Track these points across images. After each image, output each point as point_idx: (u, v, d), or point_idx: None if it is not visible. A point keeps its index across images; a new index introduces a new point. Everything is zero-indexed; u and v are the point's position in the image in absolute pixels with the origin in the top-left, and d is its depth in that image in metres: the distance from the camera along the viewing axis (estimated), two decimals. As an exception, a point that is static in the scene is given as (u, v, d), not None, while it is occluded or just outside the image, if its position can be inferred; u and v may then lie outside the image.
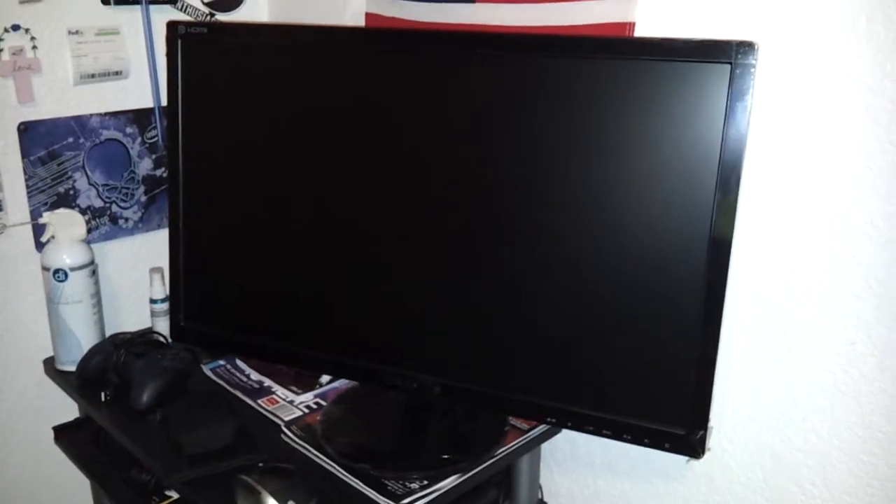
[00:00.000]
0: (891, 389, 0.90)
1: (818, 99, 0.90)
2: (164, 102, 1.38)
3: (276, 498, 0.93)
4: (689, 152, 0.87)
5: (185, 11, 1.40)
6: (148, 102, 1.38)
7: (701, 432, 0.92)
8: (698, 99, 0.86)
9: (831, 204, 0.90)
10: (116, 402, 1.18)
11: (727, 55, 0.83)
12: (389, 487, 0.99)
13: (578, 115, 0.91)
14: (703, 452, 0.93)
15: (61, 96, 1.29)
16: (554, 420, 1.02)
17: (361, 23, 1.35)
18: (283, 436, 1.10)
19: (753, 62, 0.82)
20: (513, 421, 1.12)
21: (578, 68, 0.91)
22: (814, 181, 0.91)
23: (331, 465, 1.03)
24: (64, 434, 1.32)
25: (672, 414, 0.93)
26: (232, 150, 1.13)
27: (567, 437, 1.21)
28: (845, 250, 0.90)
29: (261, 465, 1.00)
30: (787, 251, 0.95)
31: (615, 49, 0.90)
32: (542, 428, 1.12)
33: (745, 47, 0.82)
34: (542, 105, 0.93)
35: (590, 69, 0.90)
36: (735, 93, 0.84)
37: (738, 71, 0.83)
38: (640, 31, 1.01)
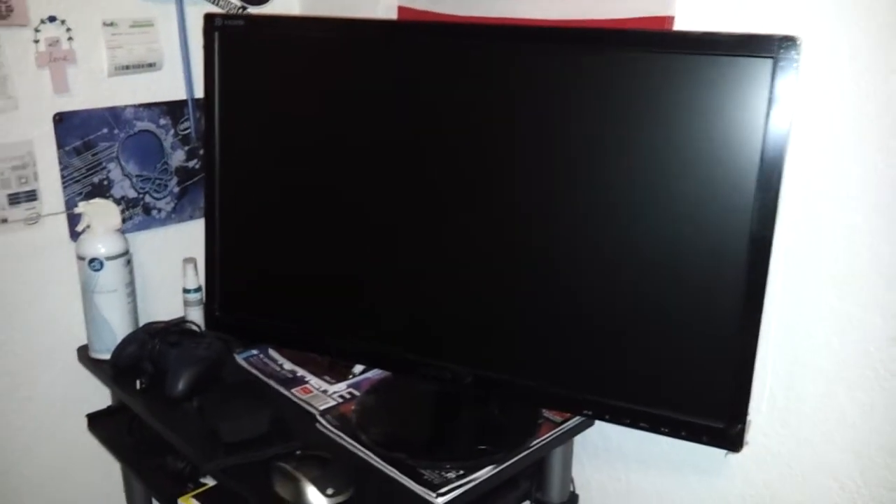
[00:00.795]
0: (931, 384, 0.90)
1: (861, 94, 0.89)
2: (197, 94, 1.39)
3: (315, 485, 0.94)
4: (730, 147, 0.87)
5: (218, 5, 1.40)
6: (181, 94, 1.39)
7: (740, 426, 0.92)
8: (740, 94, 0.85)
9: (872, 199, 0.90)
10: (151, 390, 1.19)
11: (769, 50, 0.83)
12: (426, 477, 0.99)
13: (618, 110, 0.91)
14: (741, 446, 0.93)
15: (96, 87, 1.30)
16: (590, 412, 1.02)
17: (394, 16, 1.35)
18: (317, 425, 1.11)
19: (796, 57, 0.82)
20: (546, 413, 1.13)
21: (619, 62, 0.91)
22: (854, 176, 0.91)
23: (367, 455, 1.04)
24: (97, 422, 1.33)
25: (711, 407, 0.93)
26: (267, 141, 1.14)
27: (600, 430, 1.21)
28: (885, 245, 0.90)
29: (298, 452, 1.01)
30: (827, 246, 0.95)
31: (656, 43, 0.90)
32: (575, 420, 1.12)
33: (788, 42, 0.82)
34: (582, 99, 0.93)
35: (630, 63, 0.90)
36: (777, 88, 0.83)
37: (780, 65, 0.83)
38: (678, 25, 1.01)
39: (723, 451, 1.06)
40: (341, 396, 1.17)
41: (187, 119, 1.40)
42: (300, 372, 1.24)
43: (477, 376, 1.05)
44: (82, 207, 1.25)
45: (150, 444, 1.24)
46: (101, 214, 1.25)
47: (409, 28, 1.16)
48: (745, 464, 1.08)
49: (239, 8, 1.43)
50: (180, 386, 1.15)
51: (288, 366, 1.26)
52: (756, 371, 0.95)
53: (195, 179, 1.43)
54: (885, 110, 0.88)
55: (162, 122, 1.37)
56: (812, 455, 1.01)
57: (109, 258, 1.25)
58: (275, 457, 1.00)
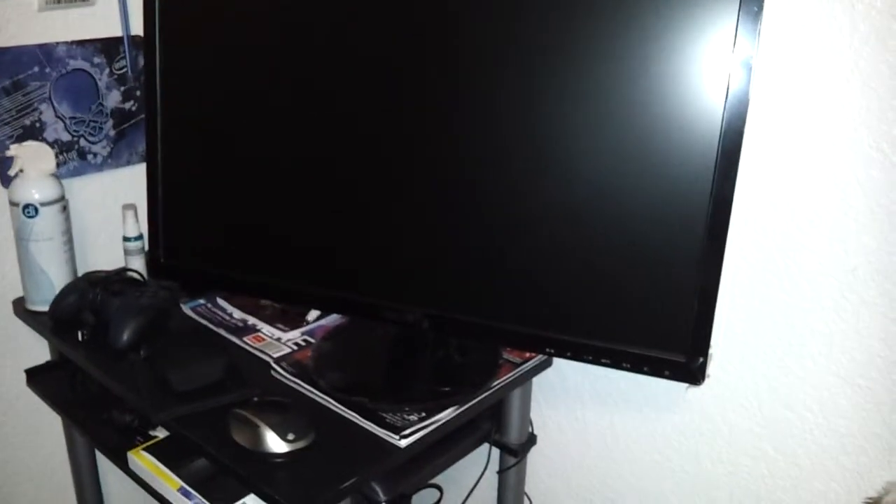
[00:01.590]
0: (891, 314, 0.91)
1: (824, 25, 0.89)
2: (133, 31, 1.32)
3: (274, 431, 0.91)
4: (696, 79, 0.85)
5: (153, -65, 1.32)
6: (117, 31, 1.31)
7: (701, 359, 0.92)
8: (705, 33, 0.84)
9: (835, 129, 0.90)
10: (94, 342, 1.14)
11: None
12: (388, 420, 0.97)
13: (582, 46, 0.89)
14: (703, 379, 0.93)
15: (26, 23, 1.21)
16: (552, 350, 1.01)
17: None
18: (272, 372, 1.08)
19: (762, -3, 0.81)
20: (505, 354, 1.12)
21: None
22: (818, 105, 0.91)
23: (326, 400, 1.01)
24: (37, 377, 1.27)
25: (672, 341, 0.93)
26: (211, 79, 1.08)
27: (557, 370, 1.21)
28: (849, 175, 0.90)
29: (255, 399, 0.97)
30: (790, 177, 0.95)
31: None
32: (534, 361, 1.11)
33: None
34: (545, 34, 0.90)
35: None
36: (744, 18, 0.82)
37: (746, 7, 0.81)
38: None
39: (683, 386, 1.07)
40: (296, 344, 1.14)
41: (123, 57, 1.33)
42: (251, 321, 1.20)
43: (436, 317, 1.03)
44: (14, 150, 1.17)
45: (94, 399, 1.18)
46: (35, 158, 1.18)
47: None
48: (702, 398, 1.09)
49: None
50: (125, 336, 1.10)
51: (238, 314, 1.22)
52: (718, 303, 0.95)
53: (132, 122, 1.36)
54: (846, 39, 0.87)
55: (96, 60, 1.30)
56: (768, 388, 1.02)
57: (45, 204, 1.18)
58: (231, 404, 0.96)
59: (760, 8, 0.80)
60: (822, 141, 0.91)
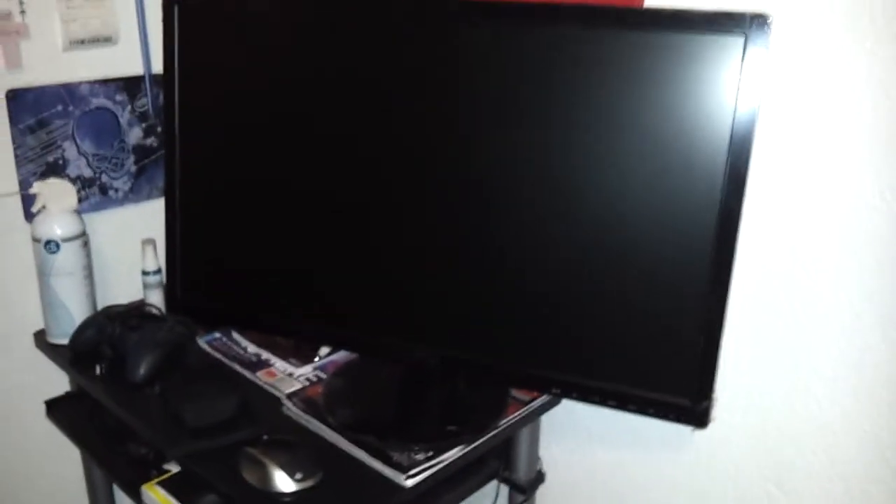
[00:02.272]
0: (894, 360, 0.91)
1: (830, 72, 0.90)
2: (154, 70, 1.35)
3: (283, 470, 0.93)
4: (701, 124, 0.86)
5: (175, -23, 1.36)
6: (138, 69, 1.35)
7: (706, 403, 0.93)
8: (711, 71, 0.85)
9: (841, 176, 0.91)
10: (111, 375, 1.16)
11: (741, 27, 0.83)
12: (395, 459, 0.99)
13: (590, 86, 0.90)
14: (708, 422, 0.94)
15: (50, 63, 1.25)
16: (559, 391, 1.02)
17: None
18: (284, 408, 1.09)
19: (767, 34, 0.82)
20: (514, 392, 1.13)
21: (591, 39, 0.90)
22: (824, 153, 0.92)
23: (335, 437, 1.03)
24: (56, 408, 1.30)
25: (677, 384, 0.94)
26: (229, 119, 1.11)
27: (566, 408, 1.21)
28: (854, 222, 0.91)
29: (265, 437, 0.99)
30: (796, 222, 0.96)
31: (629, 20, 0.89)
32: (542, 399, 1.12)
33: (759, 19, 0.82)
34: (554, 76, 0.92)
35: (603, 40, 0.89)
36: (748, 65, 0.83)
37: (751, 43, 0.83)
38: (650, 1, 1.01)
39: (689, 428, 1.07)
40: (307, 379, 1.16)
41: (145, 95, 1.36)
42: (265, 355, 1.23)
43: (445, 357, 1.04)
44: (37, 188, 1.21)
45: (111, 431, 1.21)
46: (57, 195, 1.22)
47: (376, 3, 1.13)
48: (711, 438, 1.09)
49: (196, -18, 1.39)
50: (141, 371, 1.12)
51: (252, 349, 1.24)
52: (725, 346, 0.96)
53: (153, 158, 1.39)
54: (852, 87, 0.88)
55: (118, 98, 1.34)
56: (775, 429, 1.03)
57: (66, 240, 1.21)
58: (241, 441, 0.99)
59: (766, 47, 0.82)
60: (827, 186, 0.92)
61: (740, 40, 0.83)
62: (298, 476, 0.93)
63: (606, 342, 0.96)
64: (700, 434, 1.09)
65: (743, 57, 0.84)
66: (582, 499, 1.27)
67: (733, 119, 0.85)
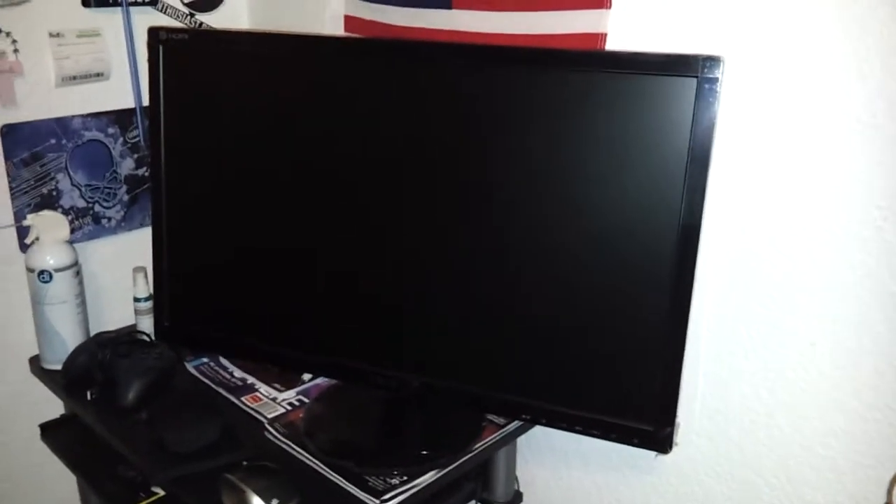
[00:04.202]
0: (846, 387, 0.94)
1: (783, 109, 0.93)
2: (145, 103, 1.39)
3: (260, 496, 0.96)
4: (658, 162, 0.90)
5: (165, 12, 1.41)
6: (129, 103, 1.40)
7: (668, 429, 0.97)
8: (666, 111, 0.89)
9: (792, 210, 0.94)
10: (102, 400, 1.20)
11: (694, 69, 0.87)
12: (370, 483, 1.02)
13: (552, 125, 0.94)
14: (670, 448, 0.97)
15: (43, 98, 1.30)
16: (528, 417, 1.06)
17: (341, 25, 1.37)
18: (266, 433, 1.13)
19: (719, 76, 0.86)
20: (490, 416, 1.16)
21: (552, 81, 0.94)
22: (777, 188, 0.95)
23: (313, 462, 1.06)
24: (50, 431, 1.35)
25: (640, 411, 0.97)
26: (214, 153, 1.15)
27: (543, 429, 1.24)
28: (805, 254, 0.94)
29: (245, 463, 1.03)
30: (751, 255, 0.99)
31: (587, 62, 0.93)
32: (518, 423, 1.16)
33: (712, 61, 0.86)
34: (518, 114, 0.96)
35: (563, 82, 0.93)
36: (701, 105, 0.87)
37: (704, 85, 0.87)
38: (611, 42, 1.04)
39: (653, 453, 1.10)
40: (290, 404, 1.20)
41: (136, 127, 1.41)
42: (250, 380, 1.26)
43: (423, 383, 1.08)
44: (31, 220, 1.26)
45: (103, 454, 1.25)
46: (50, 226, 1.26)
47: (354, 45, 1.18)
48: (678, 462, 1.12)
49: (187, 15, 1.44)
50: (130, 396, 1.17)
51: (238, 374, 1.28)
52: (688, 374, 1.01)
53: (145, 187, 1.44)
54: (802, 123, 0.92)
55: (110, 130, 1.38)
56: (740, 454, 1.06)
57: (58, 270, 1.26)
58: (223, 467, 1.02)
59: (718, 87, 0.85)
60: (780, 221, 0.96)
61: (693, 81, 0.87)
62: (275, 502, 0.96)
63: (573, 370, 1.00)
64: (669, 456, 1.12)
65: (696, 97, 0.87)
66: (559, 518, 1.30)
67: (688, 155, 0.89)
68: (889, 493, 0.92)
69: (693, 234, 0.90)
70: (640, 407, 0.97)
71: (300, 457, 1.08)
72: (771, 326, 0.99)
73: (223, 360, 1.32)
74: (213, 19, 1.47)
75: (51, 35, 1.29)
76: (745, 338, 1.02)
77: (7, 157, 1.27)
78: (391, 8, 1.26)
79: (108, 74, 1.37)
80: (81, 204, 1.37)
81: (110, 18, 1.35)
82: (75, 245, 1.32)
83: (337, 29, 1.37)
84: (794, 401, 0.99)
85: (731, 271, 1.01)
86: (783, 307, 0.98)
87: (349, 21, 1.35)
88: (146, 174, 1.44)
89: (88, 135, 1.36)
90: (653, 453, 1.12)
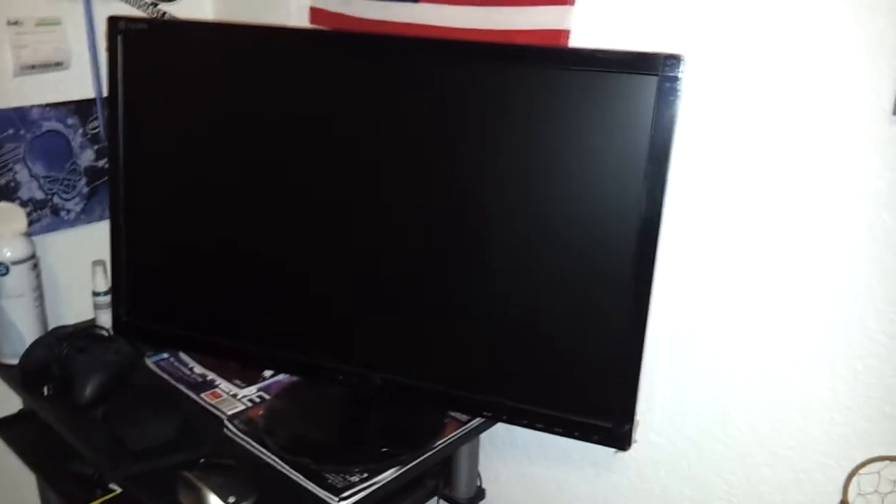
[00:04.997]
0: (806, 388, 0.95)
1: (745, 106, 0.93)
2: (106, 93, 1.37)
3: (217, 494, 0.95)
4: (618, 159, 0.90)
5: (127, 2, 1.39)
6: (90, 93, 1.37)
7: (627, 426, 0.97)
8: (627, 108, 0.89)
9: (752, 209, 0.95)
10: (59, 395, 1.19)
11: (654, 67, 0.87)
12: (330, 481, 1.02)
13: (515, 120, 0.94)
14: (629, 445, 0.97)
15: (1, 88, 1.27)
16: (490, 414, 1.05)
17: (306, 15, 1.35)
18: (225, 430, 1.12)
19: (679, 74, 0.86)
20: (452, 412, 1.16)
21: (515, 76, 0.93)
22: (737, 186, 0.96)
23: (272, 459, 1.06)
24: (7, 426, 1.32)
25: (600, 408, 0.98)
26: (173, 145, 1.13)
27: (506, 426, 1.25)
28: (765, 254, 0.95)
29: (202, 460, 1.02)
30: (711, 252, 0.99)
31: (551, 58, 0.93)
32: (480, 420, 1.15)
33: (672, 60, 0.86)
34: (479, 109, 0.95)
35: (526, 77, 0.93)
36: (661, 103, 0.87)
37: (665, 83, 0.87)
38: (575, 39, 1.04)
39: (612, 450, 1.11)
40: (250, 400, 1.19)
41: (96, 118, 1.39)
42: (210, 376, 1.25)
43: (384, 380, 1.07)
44: (-15, 212, 1.23)
45: (61, 450, 1.23)
46: (6, 219, 1.24)
47: (315, 37, 1.16)
48: (638, 459, 1.13)
49: (150, 5, 1.42)
50: (87, 392, 1.15)
51: (198, 370, 1.27)
52: (648, 373, 1.01)
53: (105, 179, 1.42)
54: (762, 121, 0.92)
55: (70, 121, 1.36)
56: (698, 453, 1.06)
57: (15, 263, 1.23)
58: (180, 464, 1.01)
59: (678, 85, 0.85)
60: (737, 219, 0.96)
61: (654, 79, 0.87)
62: (232, 499, 0.95)
63: (534, 367, 1.00)
64: (629, 454, 1.13)
65: (657, 94, 0.87)
66: (521, 515, 1.31)
67: (648, 151, 0.89)
68: (844, 491, 0.93)
69: (653, 232, 0.90)
70: (599, 404, 0.98)
71: (259, 454, 1.07)
72: (730, 327, 0.99)
73: (183, 356, 1.31)
74: (177, 9, 1.45)
75: (9, 23, 1.26)
76: (704, 338, 1.02)
77: (-37, 148, 1.25)
78: (357, 0, 1.25)
79: (68, 64, 1.34)
80: (40, 196, 1.35)
81: (71, 7, 1.32)
82: (33, 238, 1.30)
83: (303, 21, 1.36)
84: (752, 401, 0.99)
85: (692, 270, 1.01)
86: (742, 308, 0.98)
87: (315, 13, 1.34)
88: (106, 166, 1.41)
89: (47, 125, 1.33)
90: (612, 450, 1.12)
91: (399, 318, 1.05)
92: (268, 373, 1.25)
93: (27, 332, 1.27)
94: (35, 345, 1.25)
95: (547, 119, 0.92)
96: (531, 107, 0.93)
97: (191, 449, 1.06)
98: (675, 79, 0.86)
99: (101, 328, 1.30)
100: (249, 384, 1.23)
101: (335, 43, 1.05)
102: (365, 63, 1.00)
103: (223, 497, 0.95)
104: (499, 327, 1.00)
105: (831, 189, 0.88)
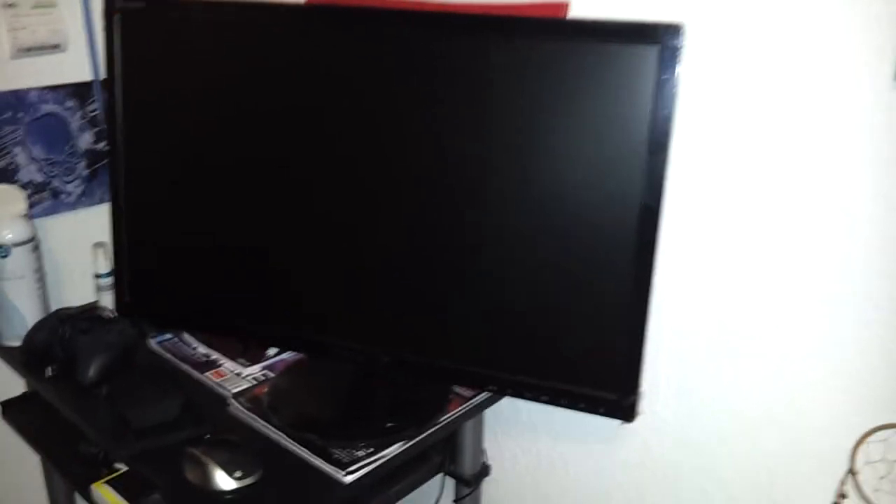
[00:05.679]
0: (812, 356, 0.95)
1: (748, 78, 0.93)
2: (103, 75, 1.37)
3: (223, 469, 0.95)
4: (621, 130, 0.90)
5: (123, -18, 1.38)
6: (87, 76, 1.37)
7: (632, 397, 0.97)
8: (629, 78, 0.89)
9: (755, 186, 0.95)
10: (62, 377, 1.18)
11: (655, 37, 0.86)
12: (336, 456, 1.02)
13: (515, 93, 0.93)
14: (634, 416, 0.97)
15: (-2, 70, 1.27)
16: (495, 388, 1.06)
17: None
18: (229, 408, 1.12)
19: (680, 44, 0.85)
20: (457, 388, 1.16)
21: (515, 49, 0.93)
22: (740, 153, 0.95)
23: (277, 436, 1.06)
24: (11, 409, 1.32)
25: (605, 380, 0.98)
26: (172, 126, 1.13)
27: (510, 402, 1.25)
28: (771, 221, 0.95)
29: (207, 437, 1.02)
30: (716, 222, 0.99)
31: (550, 30, 0.92)
32: (485, 395, 1.15)
33: (673, 29, 0.85)
34: (479, 83, 0.95)
35: (526, 49, 0.92)
36: (663, 73, 0.87)
37: (666, 53, 0.86)
38: (574, 10, 1.03)
39: (618, 422, 1.11)
40: (255, 379, 1.19)
41: (94, 100, 1.38)
42: (214, 355, 1.25)
43: (389, 356, 1.07)
44: (-14, 194, 1.23)
45: (65, 431, 1.23)
46: (6, 201, 1.24)
47: (316, 12, 1.15)
48: (643, 433, 1.13)
49: (146, -14, 1.41)
50: (90, 373, 1.15)
51: (202, 349, 1.27)
52: (652, 345, 1.01)
53: (104, 162, 1.41)
54: (763, 92, 0.92)
55: (68, 104, 1.35)
56: (702, 424, 1.07)
57: (16, 244, 1.23)
58: (185, 442, 1.01)
59: (679, 55, 0.85)
60: (744, 183, 0.96)
61: (655, 49, 0.87)
62: (238, 474, 0.96)
63: (540, 340, 0.99)
64: (634, 428, 1.13)
65: (658, 64, 0.87)
66: (526, 491, 1.31)
67: (651, 122, 0.88)
68: (852, 459, 0.93)
69: (655, 205, 0.90)
70: (605, 376, 0.98)
71: (264, 430, 1.07)
72: (737, 307, 0.99)
73: (187, 336, 1.31)
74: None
75: (5, 5, 1.25)
76: (709, 307, 1.02)
77: (-39, 131, 1.24)
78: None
79: (65, 46, 1.34)
80: (40, 178, 1.35)
81: (67, -11, 1.32)
82: (34, 220, 1.30)
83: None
84: (758, 371, 0.99)
85: (696, 242, 1.01)
86: (746, 276, 0.98)
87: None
88: (105, 148, 1.41)
89: (45, 108, 1.33)
90: (618, 423, 1.12)
91: (404, 295, 1.05)
92: (272, 351, 1.25)
93: (29, 315, 1.27)
94: (38, 326, 1.24)
95: (546, 92, 0.92)
96: (530, 80, 0.92)
97: (195, 427, 1.06)
98: (676, 48, 0.86)
99: (105, 309, 1.30)
100: (254, 363, 1.23)
101: (335, 17, 1.05)
102: (364, 36, 0.99)
103: (229, 472, 0.95)
104: (503, 302, 1.00)
105: (834, 155, 0.88)
